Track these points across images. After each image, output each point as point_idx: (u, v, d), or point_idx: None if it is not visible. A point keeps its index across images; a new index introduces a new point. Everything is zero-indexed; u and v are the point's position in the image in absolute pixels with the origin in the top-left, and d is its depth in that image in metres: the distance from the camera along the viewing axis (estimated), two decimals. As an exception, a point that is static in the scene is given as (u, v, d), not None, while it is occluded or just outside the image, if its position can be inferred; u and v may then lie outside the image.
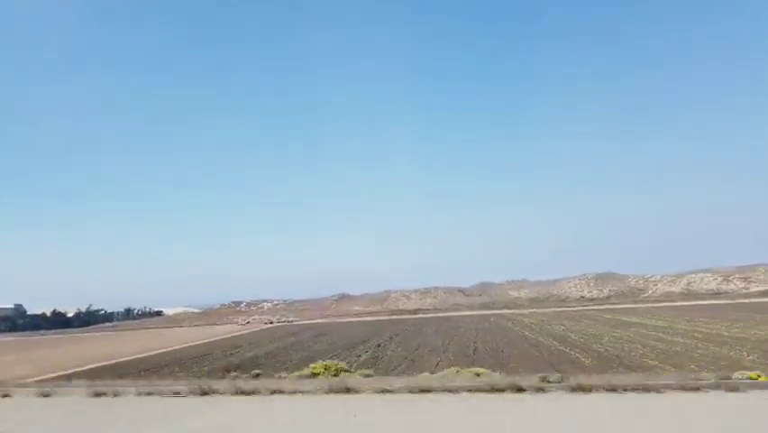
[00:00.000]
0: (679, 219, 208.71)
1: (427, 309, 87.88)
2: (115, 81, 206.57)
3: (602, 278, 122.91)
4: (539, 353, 30.87)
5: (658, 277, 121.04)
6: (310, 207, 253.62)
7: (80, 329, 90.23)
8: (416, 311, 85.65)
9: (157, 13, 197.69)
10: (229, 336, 56.80)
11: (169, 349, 43.38)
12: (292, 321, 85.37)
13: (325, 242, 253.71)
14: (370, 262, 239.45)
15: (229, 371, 28.51)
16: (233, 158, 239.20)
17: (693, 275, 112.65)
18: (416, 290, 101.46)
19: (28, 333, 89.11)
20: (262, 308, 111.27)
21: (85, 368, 32.06)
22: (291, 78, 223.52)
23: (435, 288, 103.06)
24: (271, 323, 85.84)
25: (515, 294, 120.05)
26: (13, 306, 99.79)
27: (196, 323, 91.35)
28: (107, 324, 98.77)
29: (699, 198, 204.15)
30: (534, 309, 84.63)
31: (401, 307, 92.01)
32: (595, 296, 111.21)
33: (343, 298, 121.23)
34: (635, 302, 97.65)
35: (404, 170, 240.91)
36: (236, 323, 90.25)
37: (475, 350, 33.02)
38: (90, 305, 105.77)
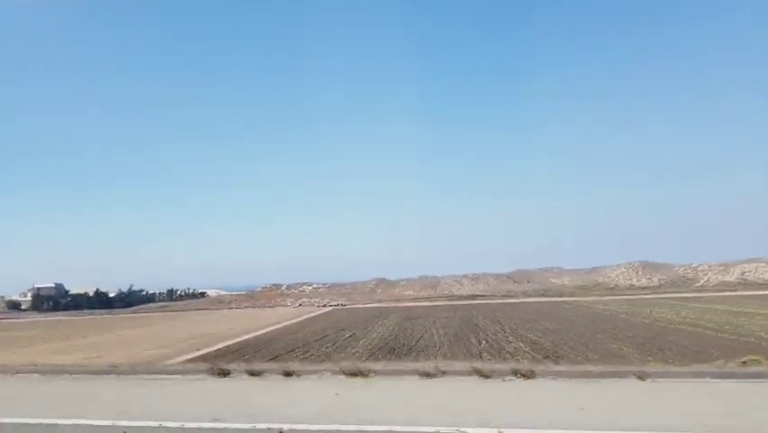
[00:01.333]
0: (717, 208, 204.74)
1: (483, 295, 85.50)
2: (128, 75, 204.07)
3: (649, 266, 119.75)
4: (720, 341, 28.20)
5: (706, 266, 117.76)
6: (330, 192, 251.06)
7: (128, 309, 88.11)
8: (473, 297, 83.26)
9: (154, 8, 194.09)
10: (311, 315, 54.85)
11: (271, 330, 41.13)
12: (345, 305, 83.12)
13: (351, 227, 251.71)
14: (397, 246, 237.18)
15: (389, 352, 26.04)
16: (251, 145, 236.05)
17: (746, 264, 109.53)
18: (464, 276, 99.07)
19: (73, 312, 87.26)
20: (304, 291, 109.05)
21: (213, 348, 29.67)
22: (291, 74, 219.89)
23: (484, 274, 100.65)
24: (325, 306, 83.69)
25: (558, 281, 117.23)
26: (53, 285, 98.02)
27: (245, 305, 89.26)
28: (151, 304, 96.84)
29: (737, 188, 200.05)
30: (597, 297, 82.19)
31: (455, 292, 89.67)
32: (645, 284, 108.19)
33: (382, 282, 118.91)
34: (693, 291, 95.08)
35: (425, 160, 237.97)
36: (286, 305, 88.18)
37: (636, 337, 30.38)
38: (131, 285, 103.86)
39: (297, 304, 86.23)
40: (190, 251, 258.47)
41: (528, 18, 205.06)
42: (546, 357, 23.66)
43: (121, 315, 77.15)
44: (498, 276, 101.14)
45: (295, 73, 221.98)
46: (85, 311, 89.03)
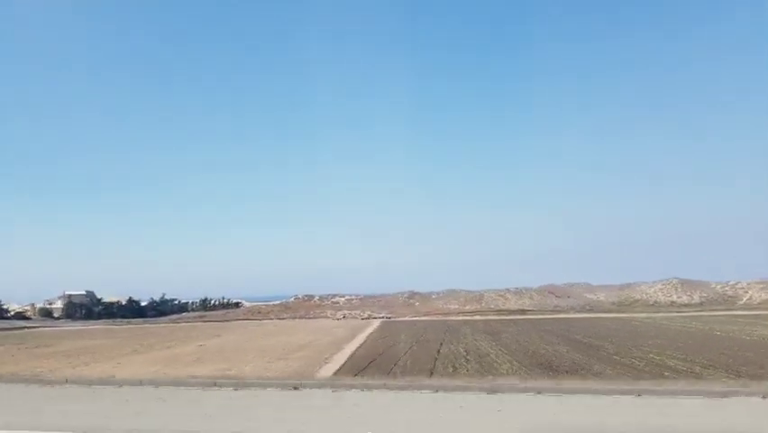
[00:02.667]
0: (742, 224, 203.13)
1: (532, 310, 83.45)
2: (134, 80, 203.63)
3: (686, 283, 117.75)
4: None
5: (745, 284, 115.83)
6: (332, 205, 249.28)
7: (165, 318, 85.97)
8: (523, 312, 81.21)
9: (148, 9, 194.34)
10: (374, 327, 52.61)
11: (361, 341, 39.08)
12: (390, 318, 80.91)
13: (352, 240, 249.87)
14: (419, 260, 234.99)
15: (547, 369, 24.03)
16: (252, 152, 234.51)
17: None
18: (507, 290, 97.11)
19: (108, 321, 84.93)
20: (337, 302, 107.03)
21: (341, 360, 27.67)
22: (286, 75, 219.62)
23: (526, 288, 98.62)
24: (369, 318, 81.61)
25: (592, 297, 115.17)
26: (84, 292, 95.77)
27: (285, 315, 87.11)
28: (185, 314, 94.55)
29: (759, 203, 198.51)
30: (649, 314, 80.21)
31: (500, 306, 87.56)
32: (686, 302, 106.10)
33: (414, 295, 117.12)
34: (740, 309, 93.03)
35: (426, 170, 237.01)
36: (327, 317, 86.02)
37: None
38: (164, 294, 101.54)
39: (341, 316, 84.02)
40: (192, 260, 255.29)
41: (528, 24, 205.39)
42: (739, 376, 21.63)
43: (163, 324, 74.83)
44: (539, 291, 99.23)
45: (292, 77, 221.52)
46: (119, 320, 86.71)
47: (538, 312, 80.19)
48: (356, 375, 23.07)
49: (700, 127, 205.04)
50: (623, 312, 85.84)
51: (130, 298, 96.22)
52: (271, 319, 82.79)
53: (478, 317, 72.44)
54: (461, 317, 74.32)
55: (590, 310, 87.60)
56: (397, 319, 75.47)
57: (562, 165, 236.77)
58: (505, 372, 23.79)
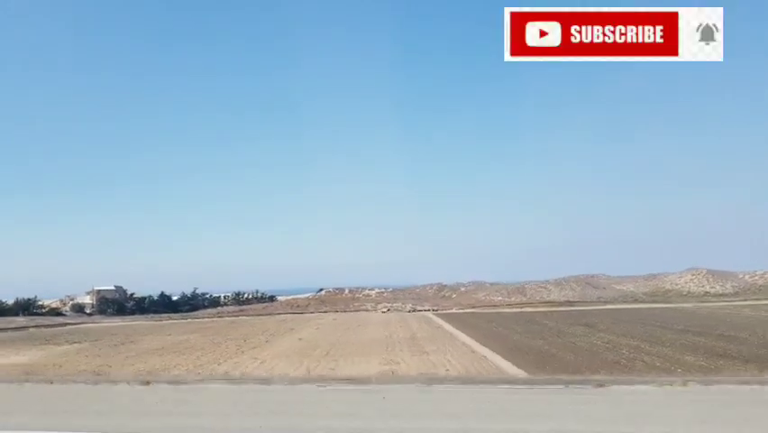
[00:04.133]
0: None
1: (579, 301, 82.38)
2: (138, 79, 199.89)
3: (715, 273, 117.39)
4: None
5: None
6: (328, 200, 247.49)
7: (204, 312, 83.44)
8: (570, 303, 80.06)
9: (143, 9, 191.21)
10: (442, 318, 51.20)
11: (469, 336, 37.45)
12: (437, 310, 79.45)
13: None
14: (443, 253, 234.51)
15: (718, 356, 22.60)
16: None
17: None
18: (547, 281, 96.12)
19: (146, 316, 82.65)
20: (369, 295, 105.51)
21: (500, 357, 26.06)
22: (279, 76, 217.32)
23: (565, 279, 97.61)
24: (413, 311, 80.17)
25: (623, 288, 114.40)
26: (113, 287, 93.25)
27: (324, 309, 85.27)
28: (221, 308, 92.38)
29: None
30: (695, 304, 79.46)
31: (545, 298, 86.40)
32: (719, 292, 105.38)
33: (444, 287, 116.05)
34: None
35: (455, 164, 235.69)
36: (367, 310, 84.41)
37: None
38: (195, 288, 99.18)
39: (385, 309, 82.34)
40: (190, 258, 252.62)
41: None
42: None
43: (208, 318, 72.69)
44: (577, 281, 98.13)
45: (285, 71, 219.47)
46: (154, 315, 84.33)
47: (586, 303, 79.22)
48: (548, 373, 21.46)
49: (701, 122, 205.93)
50: (667, 302, 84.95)
51: (162, 292, 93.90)
52: (312, 313, 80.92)
53: (530, 309, 71.19)
54: (509, 309, 73.04)
55: (635, 301, 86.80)
56: (448, 312, 73.96)
57: (562, 162, 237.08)
58: (694, 364, 22.31)
